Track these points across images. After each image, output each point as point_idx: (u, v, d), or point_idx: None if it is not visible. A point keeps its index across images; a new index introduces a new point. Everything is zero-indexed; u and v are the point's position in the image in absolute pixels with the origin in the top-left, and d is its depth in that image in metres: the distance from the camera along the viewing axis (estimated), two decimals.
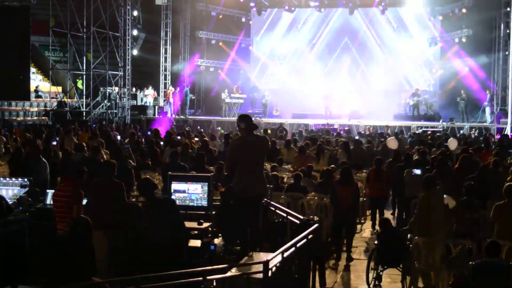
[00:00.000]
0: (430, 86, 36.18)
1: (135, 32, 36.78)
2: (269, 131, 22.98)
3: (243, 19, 39.41)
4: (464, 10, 32.82)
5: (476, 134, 26.32)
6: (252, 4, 38.05)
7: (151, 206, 8.55)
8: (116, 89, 33.07)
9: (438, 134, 25.10)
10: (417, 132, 26.55)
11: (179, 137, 20.71)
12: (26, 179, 10.60)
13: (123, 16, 32.91)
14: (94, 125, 28.06)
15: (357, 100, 34.60)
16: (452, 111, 32.40)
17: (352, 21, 37.25)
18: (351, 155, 17.35)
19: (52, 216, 9.22)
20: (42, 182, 11.91)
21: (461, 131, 27.87)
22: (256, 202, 9.05)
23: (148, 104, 35.50)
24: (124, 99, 33.19)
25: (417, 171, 13.35)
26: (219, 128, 28.48)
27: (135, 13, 36.52)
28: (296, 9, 37.83)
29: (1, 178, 10.77)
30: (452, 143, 17.70)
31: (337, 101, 33.94)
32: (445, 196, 10.12)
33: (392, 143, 18.13)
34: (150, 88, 36.34)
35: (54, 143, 17.25)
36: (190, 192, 9.55)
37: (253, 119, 9.30)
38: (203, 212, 9.48)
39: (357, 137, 22.46)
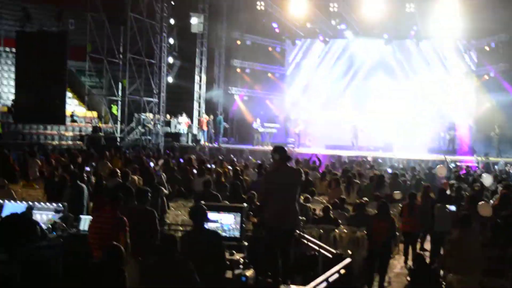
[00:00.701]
0: (465, 120, 35.82)
1: (170, 60, 37.13)
2: (300, 163, 22.92)
3: (278, 49, 39.54)
4: (500, 45, 32.61)
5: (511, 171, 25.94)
6: (287, 35, 38.28)
7: (197, 235, 8.33)
8: (151, 115, 33.31)
9: (473, 170, 24.84)
10: (453, 167, 26.21)
11: (212, 165, 20.77)
12: (60, 204, 10.67)
13: (159, 43, 33.24)
14: (127, 151, 28.25)
15: (390, 133, 34.42)
16: (487, 146, 32.05)
17: (387, 52, 37.16)
18: (388, 188, 17.27)
19: (85, 242, 9.21)
20: (79, 207, 11.95)
21: (495, 166, 27.50)
22: (288, 234, 9.02)
23: (182, 132, 35.67)
24: (158, 125, 33.40)
25: (452, 208, 13.20)
26: (251, 157, 28.46)
27: (171, 40, 36.90)
28: (330, 40, 37.90)
29: (36, 203, 10.85)
30: (487, 179, 17.50)
31: (364, 133, 33.82)
32: (480, 203, 9.97)
33: (441, 170, 17.90)
34: (184, 115, 36.52)
35: (88, 168, 17.35)
36: (223, 222, 9.49)
37: (286, 149, 9.30)
38: (235, 243, 9.42)
39: (389, 170, 22.33)
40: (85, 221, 10.30)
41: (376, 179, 17.92)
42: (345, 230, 12.89)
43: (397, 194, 16.72)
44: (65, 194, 12.48)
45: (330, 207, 13.50)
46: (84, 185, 13.09)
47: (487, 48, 34.01)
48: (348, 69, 38.49)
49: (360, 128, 33.76)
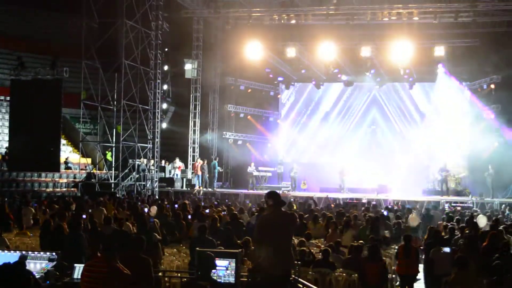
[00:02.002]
0: (458, 161, 35.92)
1: (164, 105, 37.32)
2: (295, 206, 22.87)
3: (272, 93, 39.87)
4: (492, 86, 32.95)
5: (507, 211, 25.92)
6: (280, 79, 38.62)
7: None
8: (145, 161, 33.32)
9: (467, 211, 24.83)
10: (448, 209, 26.16)
11: (207, 211, 20.70)
12: (54, 253, 10.60)
13: (153, 90, 33.40)
14: (122, 197, 28.21)
15: (384, 174, 34.47)
16: (481, 186, 32.07)
17: (380, 95, 37.47)
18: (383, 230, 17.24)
19: None
20: (78, 255, 11.87)
21: (489, 206, 27.52)
22: (284, 280, 8.97)
23: (176, 177, 35.66)
24: (153, 171, 33.39)
25: (446, 249, 13.17)
26: (248, 201, 28.43)
27: (165, 86, 37.12)
28: (324, 84, 38.19)
29: (30, 252, 10.78)
30: (481, 221, 17.49)
31: (352, 176, 33.87)
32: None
33: (414, 220, 17.94)
34: (178, 160, 36.56)
35: (84, 216, 17.29)
36: (218, 268, 9.43)
37: (280, 192, 9.31)
38: None
39: (385, 212, 22.30)
40: (79, 270, 10.21)
41: (371, 222, 17.89)
42: (341, 274, 12.82)
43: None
44: (68, 242, 12.44)
45: (330, 250, 13.43)
46: (82, 233, 13.06)
47: (479, 89, 34.34)
48: (341, 112, 38.72)
49: (346, 170, 33.71)
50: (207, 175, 35.34)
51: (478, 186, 32.35)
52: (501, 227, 16.18)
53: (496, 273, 10.32)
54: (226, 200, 27.63)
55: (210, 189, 34.23)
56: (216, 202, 25.44)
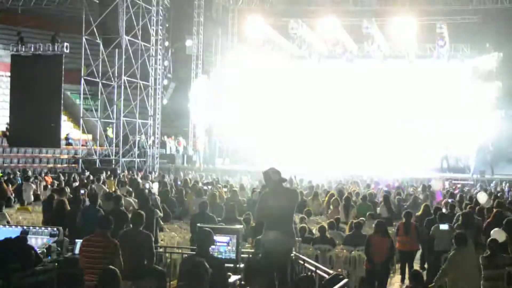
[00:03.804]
0: (461, 138, 35.80)
1: (165, 82, 37.20)
2: (296, 183, 22.95)
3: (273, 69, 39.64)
4: (494, 63, 32.82)
5: (506, 188, 25.94)
6: (282, 55, 38.43)
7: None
8: (143, 137, 33.34)
9: (467, 188, 24.88)
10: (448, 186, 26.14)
11: (206, 187, 20.74)
12: (55, 228, 10.63)
13: (154, 66, 33.32)
14: (123, 173, 28.27)
15: (385, 152, 34.41)
16: (482, 164, 32.03)
17: (383, 72, 37.23)
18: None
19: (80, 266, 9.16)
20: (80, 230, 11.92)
21: (491, 184, 27.52)
22: (285, 255, 9.00)
23: (178, 153, 35.69)
24: (153, 147, 33.39)
25: (444, 226, 13.19)
26: (248, 177, 28.41)
27: (166, 63, 36.99)
28: (325, 61, 37.99)
29: (31, 227, 10.81)
30: (482, 197, 17.50)
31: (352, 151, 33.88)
32: (495, 229, 9.96)
33: (437, 184, 17.86)
34: (180, 137, 36.56)
35: (82, 191, 17.31)
36: (219, 244, 9.46)
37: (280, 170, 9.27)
38: (231, 265, 9.39)
39: (385, 189, 22.35)
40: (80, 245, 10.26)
41: (384, 199, 17.94)
42: (341, 250, 12.87)
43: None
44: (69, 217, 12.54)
45: (326, 226, 13.48)
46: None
47: (481, 66, 34.19)
48: (345, 88, 38.48)
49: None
50: (208, 151, 35.33)
51: (479, 164, 32.30)
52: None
53: (490, 249, 10.34)
54: (227, 177, 27.62)
55: (210, 166, 34.22)
56: (216, 179, 25.41)
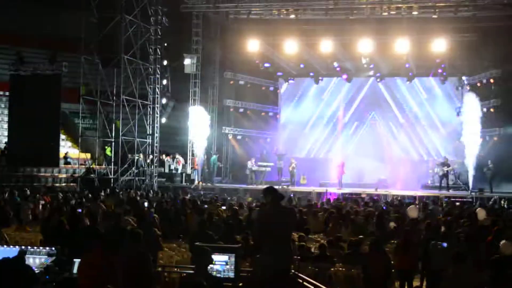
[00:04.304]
0: (458, 156, 35.83)
1: (164, 100, 37.27)
2: (294, 201, 22.92)
3: (271, 88, 39.80)
4: (492, 81, 32.91)
5: (505, 206, 25.91)
6: (279, 74, 38.55)
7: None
8: (142, 156, 33.33)
9: (466, 206, 24.83)
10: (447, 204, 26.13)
11: (206, 206, 20.71)
12: (53, 248, 10.60)
13: (152, 85, 33.42)
14: (121, 192, 28.22)
15: (384, 169, 34.47)
16: (481, 181, 32.02)
17: (380, 89, 37.40)
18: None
19: (79, 286, 9.12)
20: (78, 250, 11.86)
21: (490, 202, 27.50)
22: (283, 275, 8.97)
23: (176, 171, 35.67)
24: (152, 166, 33.37)
25: (443, 244, 13.16)
26: (247, 196, 28.39)
27: (164, 81, 37.07)
28: (323, 79, 38.16)
29: (29, 247, 10.77)
30: (480, 214, 17.48)
31: (351, 171, 33.81)
32: (503, 242, 9.92)
33: (413, 212, 17.90)
34: (177, 154, 36.56)
35: (80, 210, 17.29)
36: (217, 263, 9.42)
37: (279, 187, 9.28)
38: (230, 284, 9.35)
39: (385, 207, 22.33)
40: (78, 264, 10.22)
41: (377, 217, 17.90)
42: (340, 268, 12.82)
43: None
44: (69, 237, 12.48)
45: (326, 245, 13.44)
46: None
47: (478, 84, 34.30)
48: (340, 107, 38.64)
49: (343, 166, 33.60)
50: (207, 170, 35.34)
51: (477, 181, 32.28)
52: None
53: (495, 268, 10.30)
54: (225, 195, 27.60)
55: (209, 184, 34.20)
56: (215, 197, 25.39)
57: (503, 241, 10.56)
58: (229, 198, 26.27)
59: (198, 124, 34.50)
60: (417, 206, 21.92)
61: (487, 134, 33.93)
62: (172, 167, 36.36)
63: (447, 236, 13.90)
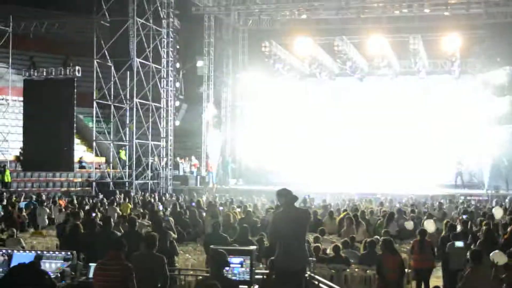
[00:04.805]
0: (475, 154, 35.60)
1: (177, 103, 37.33)
2: (311, 202, 22.91)
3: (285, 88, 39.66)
4: (505, 77, 32.73)
5: None
6: (292, 74, 38.42)
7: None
8: (156, 159, 33.40)
9: (483, 204, 24.73)
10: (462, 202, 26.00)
11: (221, 208, 20.74)
12: (69, 253, 10.63)
13: (165, 88, 33.46)
14: (137, 195, 28.28)
15: (400, 169, 34.29)
16: (497, 179, 31.84)
17: (394, 88, 37.14)
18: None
19: None
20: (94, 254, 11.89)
21: (506, 200, 27.31)
22: (299, 276, 8.95)
23: (192, 174, 35.73)
24: (166, 169, 33.42)
25: (459, 244, 13.09)
26: (261, 197, 28.35)
27: (177, 84, 37.14)
28: (336, 78, 37.97)
29: (45, 252, 10.81)
30: (498, 212, 17.36)
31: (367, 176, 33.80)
32: (495, 252, 9.86)
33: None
34: (193, 157, 36.62)
35: (94, 214, 17.36)
36: (232, 265, 9.39)
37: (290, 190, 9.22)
38: (246, 286, 9.33)
39: (398, 207, 22.26)
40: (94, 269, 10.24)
41: (386, 216, 17.84)
42: (356, 269, 12.79)
43: (409, 224, 16.68)
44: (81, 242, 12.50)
45: (340, 246, 13.41)
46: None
47: (492, 80, 34.05)
48: (355, 105, 38.38)
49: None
50: (222, 172, 35.36)
51: (493, 179, 32.10)
52: None
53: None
54: (240, 197, 27.58)
55: (224, 186, 34.21)
56: (230, 199, 25.39)
57: (495, 251, 10.47)
58: (244, 200, 26.25)
59: (212, 126, 34.56)
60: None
61: (502, 130, 33.69)
62: (187, 170, 36.42)
63: (463, 235, 13.82)
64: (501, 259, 9.98)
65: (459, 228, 14.95)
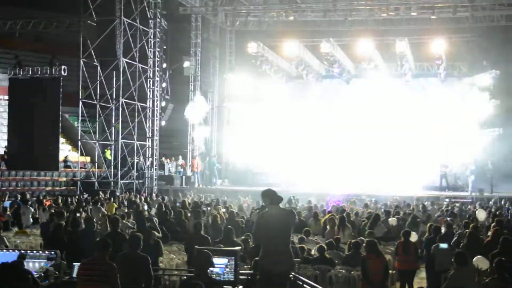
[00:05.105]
0: (459, 157, 35.78)
1: (163, 103, 37.25)
2: (295, 204, 22.91)
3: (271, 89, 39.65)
4: (491, 80, 32.93)
5: (507, 206, 25.86)
6: (279, 75, 38.40)
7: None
8: (142, 158, 33.32)
9: (467, 206, 24.84)
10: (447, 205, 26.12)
11: (207, 208, 20.73)
12: (53, 252, 10.59)
13: (152, 88, 33.38)
14: (122, 195, 28.19)
15: (385, 170, 34.37)
16: (481, 182, 32.02)
17: (381, 90, 37.22)
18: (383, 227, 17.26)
19: None
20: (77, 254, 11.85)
21: (490, 202, 27.48)
22: (283, 276, 8.95)
23: (179, 174, 35.67)
24: (152, 169, 33.35)
25: (444, 245, 13.16)
26: (247, 198, 28.33)
27: (164, 84, 37.06)
28: (322, 80, 38.04)
29: (29, 251, 10.77)
30: (481, 214, 17.46)
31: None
32: (477, 257, 9.91)
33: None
34: (181, 158, 36.57)
35: (78, 214, 17.31)
36: (217, 266, 9.39)
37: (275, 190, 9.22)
38: (230, 287, 9.33)
39: (383, 208, 22.32)
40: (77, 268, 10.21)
41: (372, 218, 17.89)
42: (340, 270, 12.82)
43: (393, 221, 16.76)
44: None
45: (325, 247, 13.45)
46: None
47: (480, 85, 34.23)
48: (341, 107, 38.47)
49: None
50: (207, 172, 35.32)
51: (477, 181, 32.26)
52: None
53: (497, 269, 10.26)
54: (225, 198, 27.55)
55: (209, 187, 34.18)
56: (215, 200, 25.37)
57: (478, 256, 10.52)
58: (229, 200, 26.24)
59: (198, 126, 34.52)
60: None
61: (487, 134, 33.91)
62: (173, 170, 36.36)
63: (448, 237, 13.89)
64: (484, 264, 10.04)
65: (443, 230, 15.02)
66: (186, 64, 37.18)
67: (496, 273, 10.06)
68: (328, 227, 17.12)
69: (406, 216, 20.14)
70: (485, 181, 31.64)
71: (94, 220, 15.33)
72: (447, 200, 27.79)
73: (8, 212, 20.54)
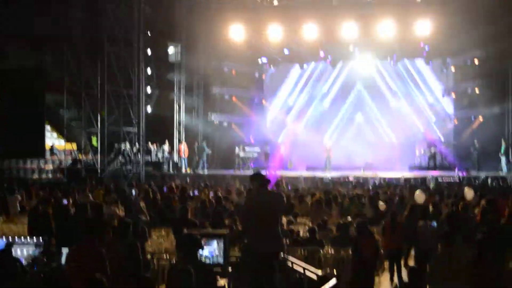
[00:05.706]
0: (445, 137, 36.04)
1: (148, 89, 37.08)
2: (283, 186, 22.96)
3: (256, 74, 39.69)
4: (476, 61, 33.02)
5: (494, 184, 26.09)
6: (264, 60, 38.38)
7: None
8: (128, 145, 33.22)
9: (455, 185, 24.99)
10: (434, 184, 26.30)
11: (195, 192, 20.73)
12: (40, 239, 10.56)
13: (137, 74, 33.21)
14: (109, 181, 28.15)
15: (371, 152, 34.55)
16: (467, 161, 32.24)
17: (366, 72, 37.38)
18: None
19: (67, 276, 9.08)
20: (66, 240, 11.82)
21: (476, 181, 27.68)
22: (271, 259, 8.98)
23: (165, 160, 35.62)
24: (139, 155, 33.26)
25: (433, 224, 13.24)
26: (236, 182, 28.35)
27: (149, 70, 36.87)
28: (308, 63, 38.10)
29: (16, 239, 10.73)
30: (469, 193, 17.53)
31: (338, 153, 34.00)
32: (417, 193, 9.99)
33: (420, 197, 17.89)
34: (167, 142, 36.51)
35: (66, 201, 17.26)
36: (206, 249, 9.40)
37: (263, 173, 9.25)
38: (220, 270, 9.36)
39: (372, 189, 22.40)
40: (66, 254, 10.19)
41: (358, 199, 17.96)
42: (330, 251, 12.87)
43: (382, 206, 16.82)
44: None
45: (316, 228, 13.49)
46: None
47: (463, 65, 34.37)
48: (327, 90, 38.64)
49: (332, 148, 33.97)
50: (196, 158, 35.28)
51: (464, 161, 32.49)
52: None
53: (479, 248, 10.30)
54: (213, 182, 27.55)
55: (198, 172, 34.17)
56: (203, 184, 25.37)
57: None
58: (217, 184, 26.25)
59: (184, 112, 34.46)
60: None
61: (472, 114, 34.13)
62: (160, 155, 36.29)
63: (435, 216, 13.96)
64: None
65: (430, 209, 15.08)
66: (170, 50, 37.02)
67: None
68: (313, 208, 17.18)
69: (393, 196, 20.25)
70: (472, 160, 31.90)
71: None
72: (434, 180, 27.91)
73: None
